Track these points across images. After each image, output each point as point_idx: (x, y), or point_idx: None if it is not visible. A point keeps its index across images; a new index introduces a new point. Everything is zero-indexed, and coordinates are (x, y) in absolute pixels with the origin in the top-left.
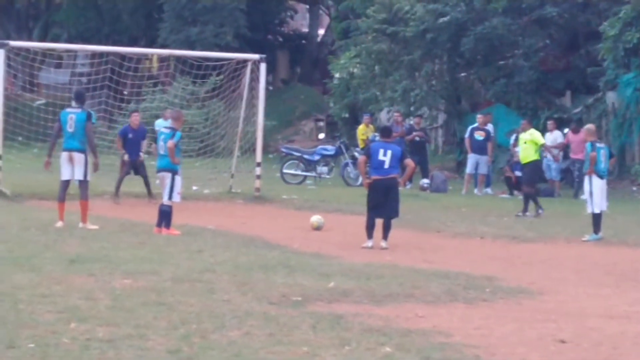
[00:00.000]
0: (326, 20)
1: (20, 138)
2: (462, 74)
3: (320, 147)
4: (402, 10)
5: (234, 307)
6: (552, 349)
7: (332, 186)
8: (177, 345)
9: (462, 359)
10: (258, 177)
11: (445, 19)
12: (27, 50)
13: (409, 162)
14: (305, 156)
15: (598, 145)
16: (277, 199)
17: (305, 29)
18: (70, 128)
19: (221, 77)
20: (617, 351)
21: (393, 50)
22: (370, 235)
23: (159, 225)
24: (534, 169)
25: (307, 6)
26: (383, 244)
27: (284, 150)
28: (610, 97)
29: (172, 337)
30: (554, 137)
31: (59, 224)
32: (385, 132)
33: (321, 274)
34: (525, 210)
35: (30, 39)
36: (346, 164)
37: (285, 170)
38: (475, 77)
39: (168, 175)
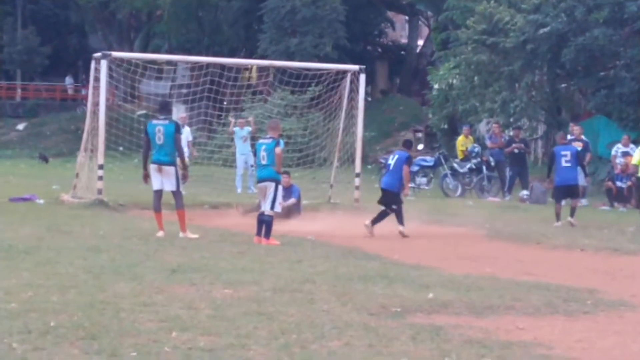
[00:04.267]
0: (425, 31)
1: (121, 148)
2: (563, 85)
3: (419, 158)
4: (503, 21)
5: (334, 318)
6: None
7: (431, 197)
8: (277, 355)
9: None
10: (357, 187)
11: (545, 29)
12: (129, 61)
13: None
14: None
15: None
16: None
17: (405, 40)
18: (159, 140)
19: (320, 87)
20: None
21: (493, 61)
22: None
23: (258, 234)
24: None
25: (407, 17)
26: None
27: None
28: None
29: (272, 347)
30: None
31: (160, 233)
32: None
33: (421, 285)
34: None
35: (131, 49)
36: (445, 175)
37: None
38: (576, 88)
39: (272, 185)
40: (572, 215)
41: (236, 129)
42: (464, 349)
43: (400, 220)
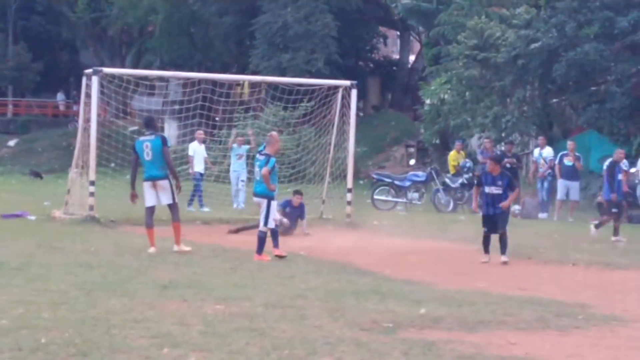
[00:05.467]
0: (417, 46)
1: (113, 164)
2: (554, 100)
3: (411, 173)
4: (494, 36)
5: (326, 333)
6: None
7: (423, 212)
8: None
9: None
10: (349, 203)
11: (536, 44)
12: (120, 77)
13: None
14: (396, 182)
15: None
16: (368, 225)
17: (396, 56)
18: (147, 156)
19: (312, 103)
20: None
21: (484, 76)
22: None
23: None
24: None
25: (398, 33)
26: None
27: (374, 176)
28: None
29: None
30: None
31: (152, 249)
32: None
33: (412, 300)
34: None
35: (123, 65)
36: (437, 190)
37: (376, 197)
38: (567, 103)
39: (263, 202)
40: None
41: (234, 145)
42: None
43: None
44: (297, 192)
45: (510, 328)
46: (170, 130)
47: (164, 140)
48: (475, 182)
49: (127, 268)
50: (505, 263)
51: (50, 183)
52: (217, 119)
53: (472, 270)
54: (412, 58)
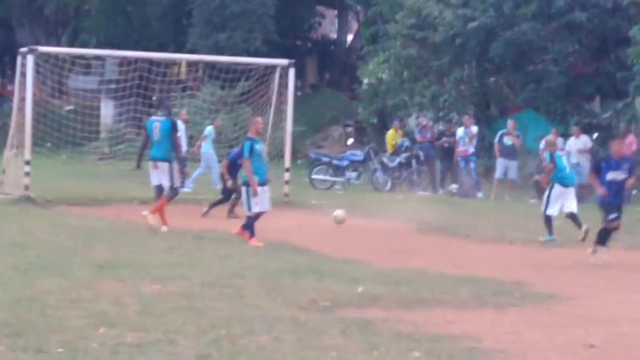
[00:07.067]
0: (355, 25)
1: (49, 144)
2: (491, 79)
3: (349, 152)
4: (431, 15)
5: (263, 312)
6: (582, 354)
7: (361, 192)
8: (206, 350)
9: None
10: (287, 182)
11: (474, 24)
12: (56, 56)
13: None
14: (334, 161)
15: (558, 154)
16: (306, 204)
17: (334, 35)
18: (155, 136)
19: (250, 82)
20: None
21: (422, 56)
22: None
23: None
24: None
25: (336, 12)
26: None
27: (312, 155)
28: None
29: (201, 342)
30: (583, 142)
31: (164, 228)
32: None
33: (350, 279)
34: None
35: (59, 44)
36: (375, 170)
37: (314, 176)
38: (504, 82)
39: (243, 189)
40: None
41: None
42: (393, 342)
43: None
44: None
45: (447, 306)
46: (107, 109)
47: (173, 125)
48: (593, 168)
49: (63, 248)
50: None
51: None
52: (153, 98)
53: (409, 249)
54: (350, 37)
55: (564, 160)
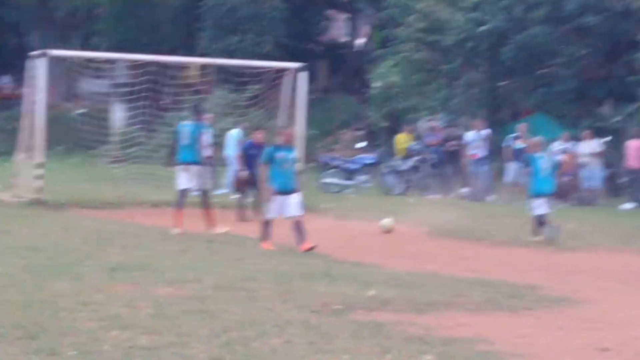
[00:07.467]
0: (366, 29)
1: (59, 147)
2: (502, 83)
3: (360, 156)
4: (442, 19)
5: (275, 316)
6: (596, 357)
7: (373, 195)
8: (218, 353)
9: None
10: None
11: (485, 27)
12: (67, 59)
13: None
14: (345, 165)
15: (538, 156)
16: (316, 207)
17: (345, 38)
18: (184, 140)
19: (261, 85)
20: None
21: (432, 59)
22: None
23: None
24: None
25: (347, 15)
26: None
27: (322, 159)
28: None
29: (213, 344)
30: (593, 146)
31: (176, 230)
32: None
33: (362, 282)
34: None
35: (70, 48)
36: (386, 173)
37: (324, 180)
38: (515, 86)
39: None
40: None
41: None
42: (405, 345)
43: None
44: (258, 128)
45: (459, 309)
46: (118, 112)
47: (200, 129)
48: None
49: (75, 251)
50: None
51: None
52: (165, 102)
53: (421, 253)
54: (361, 41)
55: (543, 162)
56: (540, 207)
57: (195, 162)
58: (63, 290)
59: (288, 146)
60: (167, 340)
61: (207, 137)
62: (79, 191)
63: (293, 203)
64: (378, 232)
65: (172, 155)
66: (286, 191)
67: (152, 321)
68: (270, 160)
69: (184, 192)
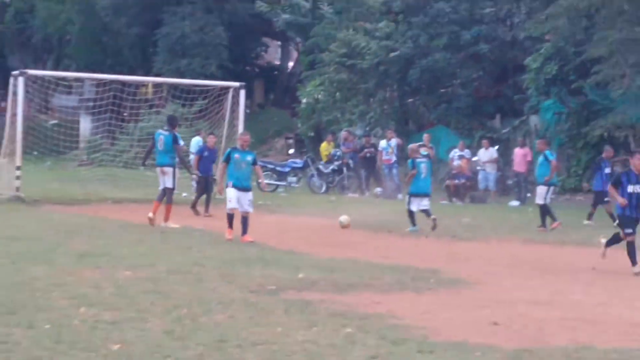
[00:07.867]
0: (295, 54)
1: (35, 153)
2: (410, 100)
3: (290, 160)
4: (359, 46)
5: (220, 295)
6: (487, 330)
7: (300, 194)
8: (171, 326)
9: (412, 338)
10: None
11: (395, 53)
12: (42, 78)
13: None
14: (278, 168)
15: (419, 160)
16: (254, 204)
17: (278, 62)
18: (160, 147)
19: (206, 101)
20: (542, 332)
21: (352, 80)
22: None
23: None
24: None
25: (279, 42)
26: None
27: (259, 163)
28: (533, 119)
29: (167, 319)
30: (490, 153)
31: (173, 225)
32: None
33: (292, 267)
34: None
35: (44, 68)
36: (312, 175)
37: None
38: (421, 102)
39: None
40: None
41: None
42: (329, 320)
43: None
44: (211, 133)
45: (375, 290)
46: (85, 123)
47: (174, 138)
48: (613, 181)
49: (48, 240)
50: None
51: None
52: (125, 114)
53: (342, 243)
54: (291, 64)
55: (423, 166)
56: (413, 203)
57: (170, 165)
58: (38, 274)
59: (244, 149)
60: (128, 316)
61: (182, 145)
62: (52, 190)
63: (247, 200)
64: (306, 225)
65: (147, 157)
66: (242, 188)
67: (114, 299)
68: (228, 160)
69: (170, 190)
